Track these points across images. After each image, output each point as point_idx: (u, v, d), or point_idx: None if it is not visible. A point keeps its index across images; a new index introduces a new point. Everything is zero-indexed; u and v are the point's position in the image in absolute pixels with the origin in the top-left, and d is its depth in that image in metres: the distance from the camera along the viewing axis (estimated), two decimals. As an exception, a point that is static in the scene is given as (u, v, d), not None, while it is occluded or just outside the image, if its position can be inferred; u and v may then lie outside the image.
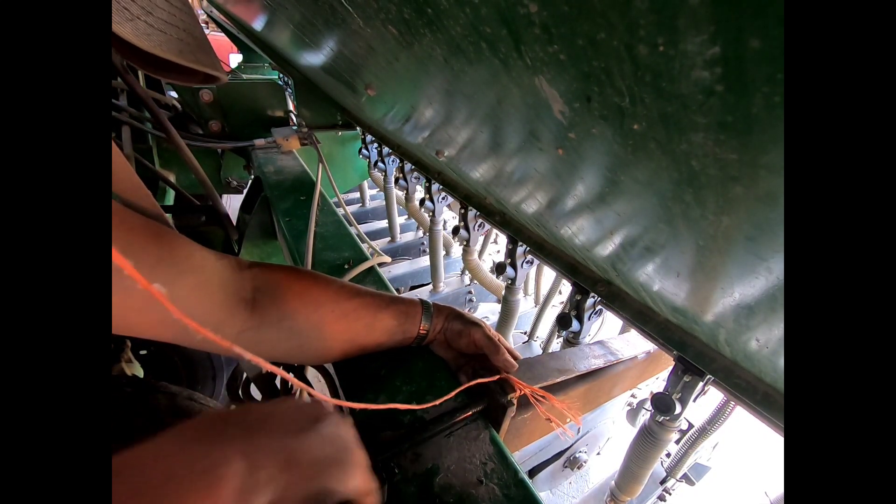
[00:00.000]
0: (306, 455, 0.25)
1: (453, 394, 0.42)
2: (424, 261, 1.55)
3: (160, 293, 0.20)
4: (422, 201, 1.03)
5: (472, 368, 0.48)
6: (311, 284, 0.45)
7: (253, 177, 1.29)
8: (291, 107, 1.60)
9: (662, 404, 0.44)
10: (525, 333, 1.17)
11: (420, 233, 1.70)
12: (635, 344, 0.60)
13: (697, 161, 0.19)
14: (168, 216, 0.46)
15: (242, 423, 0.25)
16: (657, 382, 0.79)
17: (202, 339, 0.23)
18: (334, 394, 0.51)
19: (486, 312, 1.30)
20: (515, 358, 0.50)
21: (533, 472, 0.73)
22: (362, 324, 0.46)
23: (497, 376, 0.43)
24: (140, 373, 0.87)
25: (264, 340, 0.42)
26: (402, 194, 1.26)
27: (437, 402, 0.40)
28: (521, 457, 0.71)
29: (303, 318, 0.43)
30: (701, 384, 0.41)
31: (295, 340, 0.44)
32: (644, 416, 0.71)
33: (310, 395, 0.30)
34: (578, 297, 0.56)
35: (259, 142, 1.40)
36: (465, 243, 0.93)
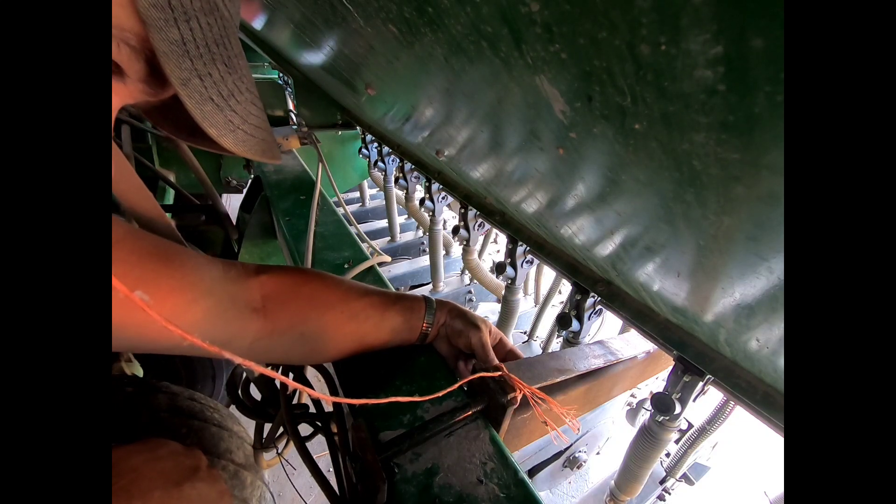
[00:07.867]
0: None
1: (456, 386, 0.42)
2: (424, 260, 1.55)
3: (141, 300, 0.20)
4: (422, 201, 1.03)
5: (473, 365, 0.48)
6: (320, 287, 0.45)
7: (253, 176, 1.29)
8: (291, 106, 1.60)
9: (662, 404, 0.44)
10: (525, 333, 1.17)
11: (420, 232, 1.70)
12: (635, 344, 0.60)
13: (699, 161, 0.18)
14: (168, 216, 0.46)
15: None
16: (657, 382, 0.78)
17: (189, 345, 0.24)
18: (333, 392, 0.51)
19: (486, 312, 1.29)
20: (516, 358, 0.50)
21: (532, 472, 0.72)
22: (371, 323, 0.47)
23: (499, 373, 0.43)
24: (140, 372, 0.87)
25: (276, 347, 0.42)
26: (402, 194, 1.26)
27: (440, 395, 0.40)
28: (521, 456, 0.71)
29: (313, 321, 0.43)
30: (701, 384, 0.41)
31: (306, 345, 0.44)
32: (644, 416, 0.71)
33: (308, 394, 0.30)
34: (578, 297, 0.56)
35: (259, 141, 1.40)
36: (465, 243, 0.93)
